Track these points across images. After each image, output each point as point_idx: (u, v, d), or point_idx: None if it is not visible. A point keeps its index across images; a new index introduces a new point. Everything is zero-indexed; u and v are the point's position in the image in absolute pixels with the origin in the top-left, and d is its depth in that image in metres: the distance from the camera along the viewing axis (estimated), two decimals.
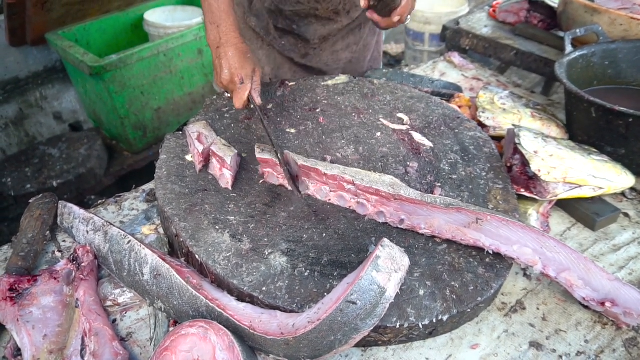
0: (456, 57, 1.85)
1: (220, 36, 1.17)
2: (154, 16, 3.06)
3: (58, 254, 1.08)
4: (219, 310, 0.84)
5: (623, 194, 1.23)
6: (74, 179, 2.67)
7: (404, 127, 1.30)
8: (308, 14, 1.48)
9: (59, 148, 2.87)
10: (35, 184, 2.64)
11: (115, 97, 2.66)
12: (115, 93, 2.65)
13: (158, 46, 2.70)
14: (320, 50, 1.56)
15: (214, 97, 1.41)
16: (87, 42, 2.94)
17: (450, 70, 1.81)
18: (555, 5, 1.84)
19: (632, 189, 1.22)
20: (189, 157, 1.18)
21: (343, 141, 1.24)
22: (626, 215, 1.17)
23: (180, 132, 1.26)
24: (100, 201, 1.24)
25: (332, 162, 1.16)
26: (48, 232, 1.11)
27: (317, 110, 1.36)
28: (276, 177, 1.12)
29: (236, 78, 1.15)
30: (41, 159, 2.80)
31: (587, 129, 1.27)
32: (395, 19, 1.14)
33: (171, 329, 0.91)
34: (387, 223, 1.02)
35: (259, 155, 1.11)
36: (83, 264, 0.98)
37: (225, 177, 1.10)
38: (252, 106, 1.19)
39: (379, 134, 1.27)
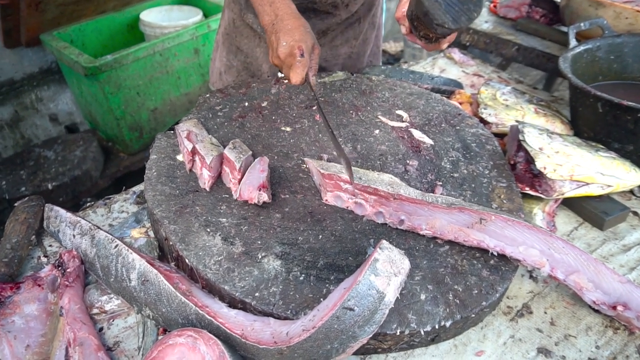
0: (456, 53, 1.81)
1: (277, 12, 1.13)
2: (150, 16, 3.03)
3: (44, 259, 1.04)
4: (209, 317, 0.79)
5: (632, 191, 1.19)
6: (69, 181, 2.63)
7: (403, 125, 1.26)
8: (306, 8, 1.44)
9: (55, 150, 2.83)
10: (30, 186, 2.60)
11: (110, 97, 2.62)
12: (111, 94, 2.62)
13: (154, 46, 2.67)
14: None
15: (207, 95, 1.37)
16: (83, 43, 2.91)
17: (450, 67, 1.77)
18: (558, 0, 1.81)
19: None
20: (179, 157, 1.13)
21: (340, 139, 1.20)
22: (635, 213, 1.13)
23: (172, 132, 1.22)
24: (89, 204, 1.20)
25: (328, 160, 1.12)
26: (34, 237, 1.06)
27: (314, 108, 1.32)
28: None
29: (296, 50, 1.07)
30: (36, 162, 2.76)
31: (593, 124, 1.23)
32: (444, 45, 1.11)
33: (160, 337, 0.87)
34: (386, 224, 0.98)
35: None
36: (68, 270, 0.94)
37: (204, 177, 1.05)
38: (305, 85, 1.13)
39: (377, 131, 1.23)
